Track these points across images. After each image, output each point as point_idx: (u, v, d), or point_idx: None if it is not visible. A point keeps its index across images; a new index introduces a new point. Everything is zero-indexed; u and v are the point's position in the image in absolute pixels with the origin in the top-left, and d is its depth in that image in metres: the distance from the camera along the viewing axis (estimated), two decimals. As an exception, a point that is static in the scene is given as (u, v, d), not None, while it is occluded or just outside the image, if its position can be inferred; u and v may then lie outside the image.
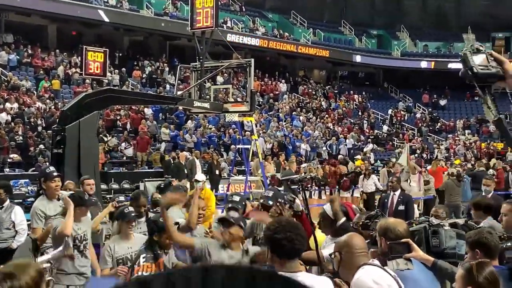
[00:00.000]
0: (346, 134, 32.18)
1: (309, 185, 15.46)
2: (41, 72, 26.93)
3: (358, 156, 26.87)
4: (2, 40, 28.17)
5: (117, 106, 23.81)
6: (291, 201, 6.37)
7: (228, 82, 29.41)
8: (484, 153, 31.38)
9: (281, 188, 10.03)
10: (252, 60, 13.23)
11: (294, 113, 33.30)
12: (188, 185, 19.58)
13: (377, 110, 39.27)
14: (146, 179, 20.70)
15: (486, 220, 6.13)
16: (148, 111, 26.30)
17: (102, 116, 21.60)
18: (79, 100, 11.27)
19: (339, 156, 26.82)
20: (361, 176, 16.45)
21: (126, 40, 34.63)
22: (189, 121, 26.90)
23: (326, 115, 34.66)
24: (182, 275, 0.83)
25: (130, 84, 28.30)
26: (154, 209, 7.42)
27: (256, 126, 23.85)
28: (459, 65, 2.52)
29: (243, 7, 38.67)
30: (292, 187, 7.62)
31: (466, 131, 36.88)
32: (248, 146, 16.39)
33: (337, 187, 18.28)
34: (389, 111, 38.87)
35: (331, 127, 33.08)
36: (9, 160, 19.68)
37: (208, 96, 14.35)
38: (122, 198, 7.72)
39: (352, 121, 35.71)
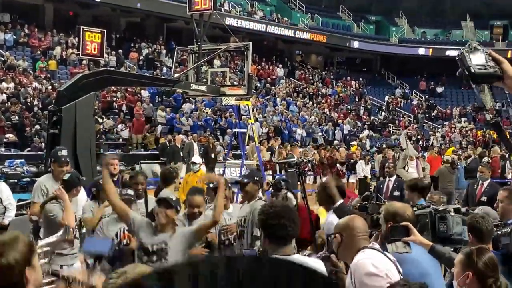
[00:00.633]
0: (342, 120, 32.18)
1: (306, 169, 15.48)
2: (38, 52, 26.78)
3: (354, 142, 26.90)
4: (-2, 20, 27.97)
5: (114, 87, 23.75)
6: (283, 198, 6.43)
7: (225, 65, 29.26)
8: (480, 141, 31.44)
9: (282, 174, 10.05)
10: (250, 43, 13.20)
11: (290, 98, 33.26)
12: (184, 168, 19.65)
13: (373, 96, 39.26)
14: (141, 161, 20.72)
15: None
16: (145, 93, 26.22)
17: (99, 97, 21.50)
18: (76, 81, 11.21)
19: (335, 142, 26.85)
20: (360, 161, 16.48)
21: (123, 21, 34.42)
22: (186, 104, 26.83)
23: (323, 101, 34.63)
24: (207, 266, 0.81)
25: (127, 66, 28.17)
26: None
27: (253, 110, 23.79)
28: (456, 52, 2.48)
29: (241, -10, 38.44)
30: (289, 170, 7.64)
31: (463, 119, 36.92)
32: (244, 130, 16.35)
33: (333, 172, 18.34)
34: (386, 98, 38.86)
35: (328, 112, 33.06)
36: (4, 140, 19.63)
37: (205, 79, 14.31)
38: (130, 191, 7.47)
39: (349, 107, 35.69)
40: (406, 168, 15.48)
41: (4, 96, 21.43)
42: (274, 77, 35.51)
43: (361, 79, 40.81)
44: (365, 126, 32.89)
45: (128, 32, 33.78)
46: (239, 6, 36.15)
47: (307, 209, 5.28)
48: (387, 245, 3.57)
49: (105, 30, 12.39)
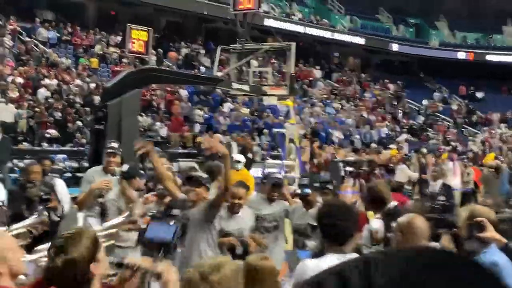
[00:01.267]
0: (380, 123, 31.95)
1: (363, 168, 15.37)
2: (80, 50, 27.24)
3: (392, 146, 26.64)
4: (42, 17, 28.51)
5: (153, 85, 24.00)
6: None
7: (262, 66, 29.33)
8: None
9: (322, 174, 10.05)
10: (294, 43, 13.21)
11: (327, 100, 33.15)
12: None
13: (412, 99, 38.84)
14: (179, 159, 20.88)
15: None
16: (183, 92, 26.44)
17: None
18: (122, 78, 11.38)
19: (372, 145, 26.67)
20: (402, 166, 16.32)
21: (163, 21, 34.75)
22: (225, 104, 26.98)
23: (360, 103, 34.43)
24: (354, 270, 0.82)
25: (166, 65, 28.44)
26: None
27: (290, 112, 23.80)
28: (497, 57, 2.43)
29: (280, -9, 38.47)
30: (347, 169, 7.67)
31: (503, 125, 36.28)
32: (284, 131, 16.36)
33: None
34: (424, 101, 38.42)
35: (365, 115, 32.84)
36: (47, 135, 19.99)
37: (246, 79, 14.36)
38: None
39: (386, 110, 35.41)
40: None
41: (48, 93, 21.81)
42: (311, 78, 35.43)
43: (399, 82, 40.41)
44: (403, 129, 32.56)
45: (167, 32, 34.10)
46: (278, 7, 36.18)
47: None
48: (465, 243, 3.55)
49: (151, 28, 12.55)
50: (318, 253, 4.15)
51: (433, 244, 3.52)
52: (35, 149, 18.46)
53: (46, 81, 22.62)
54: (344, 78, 38.03)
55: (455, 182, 15.16)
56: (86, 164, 16.16)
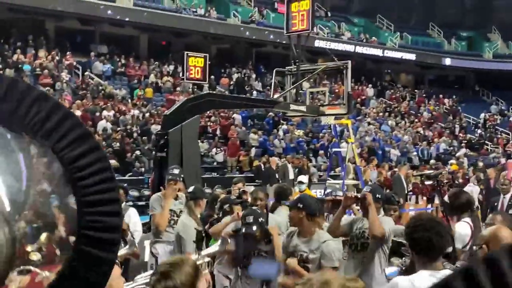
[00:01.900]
0: (437, 138, 31.35)
1: (445, 181, 15.03)
2: (135, 81, 27.77)
3: (453, 161, 26.05)
4: (97, 51, 29.25)
5: (208, 112, 24.21)
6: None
7: (314, 87, 29.27)
8: None
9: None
10: (349, 62, 13.12)
11: (382, 117, 32.76)
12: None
13: (468, 113, 38.01)
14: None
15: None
16: (237, 117, 26.58)
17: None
18: (181, 105, 11.48)
19: (431, 161, 26.16)
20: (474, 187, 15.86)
21: (214, 48, 35.18)
22: (282, 126, 27.02)
23: (416, 119, 33.89)
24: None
25: (218, 91, 28.68)
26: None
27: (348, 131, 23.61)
28: None
29: (328, 12, 38.38)
30: (426, 182, 7.49)
31: None
32: (342, 150, 16.19)
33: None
34: (482, 115, 37.53)
35: (421, 131, 32.29)
36: (107, 165, 20.30)
37: (302, 100, 14.31)
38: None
39: (443, 125, 34.74)
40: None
41: (108, 124, 22.23)
42: (364, 97, 35.14)
43: (454, 96, 39.66)
44: (462, 144, 31.84)
45: (218, 58, 34.47)
46: (327, 28, 36.17)
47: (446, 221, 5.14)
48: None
49: (207, 55, 12.68)
50: (408, 270, 4.00)
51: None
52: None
53: (104, 112, 23.09)
54: (397, 95, 37.56)
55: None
56: (147, 192, 16.36)
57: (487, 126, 36.43)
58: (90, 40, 30.47)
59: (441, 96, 39.08)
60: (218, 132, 25.32)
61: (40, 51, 26.20)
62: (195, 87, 14.20)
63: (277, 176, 20.40)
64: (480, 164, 24.71)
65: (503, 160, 27.30)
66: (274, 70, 13.64)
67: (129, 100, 25.65)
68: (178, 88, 27.23)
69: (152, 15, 29.64)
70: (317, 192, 17.38)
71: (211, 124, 25.70)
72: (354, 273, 5.31)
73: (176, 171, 7.82)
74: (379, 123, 31.50)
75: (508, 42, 42.21)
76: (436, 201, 16.16)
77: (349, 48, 35.54)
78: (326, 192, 7.52)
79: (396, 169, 20.41)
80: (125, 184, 19.06)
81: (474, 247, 3.75)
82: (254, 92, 30.06)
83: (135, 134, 22.41)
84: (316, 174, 23.34)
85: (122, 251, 5.12)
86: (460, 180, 19.45)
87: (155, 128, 20.44)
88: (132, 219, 7.94)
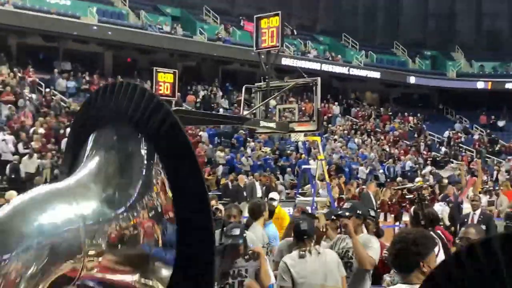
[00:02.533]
0: (403, 156, 31.58)
1: (426, 194, 14.97)
2: (99, 98, 27.33)
3: (418, 178, 26.18)
4: (60, 68, 28.75)
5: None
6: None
7: (282, 104, 29.27)
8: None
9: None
10: (319, 78, 13.03)
11: (348, 135, 32.90)
12: (245, 208, 19.45)
13: (433, 131, 38.48)
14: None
15: None
16: (204, 134, 26.34)
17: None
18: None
19: (398, 179, 26.25)
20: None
21: (180, 65, 34.93)
22: (250, 143, 26.88)
23: (382, 137, 34.12)
24: None
25: (185, 108, 28.40)
26: None
27: (314, 148, 23.58)
28: None
29: (294, 30, 38.62)
30: (407, 197, 7.37)
31: (527, 152, 35.72)
32: (312, 167, 16.08)
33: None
34: (446, 133, 38.02)
35: (387, 149, 32.50)
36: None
37: (271, 117, 14.14)
38: None
39: (408, 143, 35.05)
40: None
41: (70, 141, 21.75)
42: (330, 115, 35.26)
43: (419, 114, 40.12)
44: (427, 162, 32.13)
45: (184, 76, 34.22)
46: (293, 45, 36.30)
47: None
48: None
49: (176, 71, 12.46)
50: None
51: None
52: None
53: (68, 130, 22.57)
54: (363, 113, 37.82)
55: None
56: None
57: (451, 144, 36.89)
58: (53, 57, 29.95)
59: (406, 114, 39.50)
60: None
61: (3, 68, 25.61)
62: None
63: (245, 194, 20.19)
64: (445, 181, 24.89)
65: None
66: (244, 87, 13.48)
67: (94, 118, 25.17)
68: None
69: (117, 32, 29.32)
70: (286, 209, 17.23)
71: (178, 141, 25.37)
72: None
73: None
74: (345, 141, 31.61)
75: (471, 61, 42.99)
76: (404, 218, 16.20)
77: (316, 66, 35.69)
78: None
79: (364, 187, 20.44)
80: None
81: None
82: (221, 110, 29.87)
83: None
84: (284, 192, 23.20)
85: None
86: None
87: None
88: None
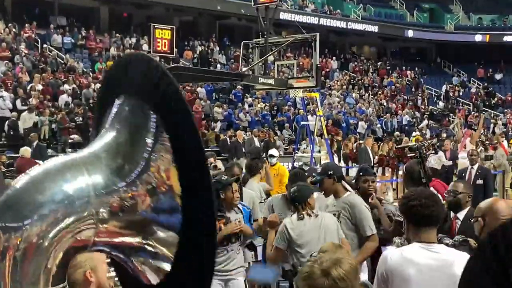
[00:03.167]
0: (400, 111, 31.63)
1: (428, 152, 15.04)
2: (96, 54, 27.16)
3: (415, 133, 26.34)
4: (56, 23, 28.46)
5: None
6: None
7: (278, 60, 29.13)
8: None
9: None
10: (318, 34, 12.99)
11: (346, 90, 32.84)
12: (243, 163, 19.57)
13: (430, 85, 38.42)
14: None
15: None
16: (202, 90, 26.28)
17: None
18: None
19: (395, 133, 26.36)
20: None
21: (176, 20, 34.59)
22: (247, 99, 26.84)
23: (379, 92, 34.08)
24: None
25: (182, 64, 28.25)
26: None
27: (313, 104, 23.59)
28: None
29: (292, -16, 38.15)
30: (409, 155, 7.42)
31: (524, 105, 35.79)
32: (310, 123, 16.13)
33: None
34: (444, 87, 37.97)
35: (385, 103, 32.51)
36: (70, 140, 19.90)
37: (270, 73, 14.16)
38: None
39: (406, 97, 35.04)
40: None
41: (69, 98, 21.71)
42: (328, 70, 35.12)
43: (416, 68, 39.99)
44: (425, 116, 32.19)
45: (181, 31, 33.91)
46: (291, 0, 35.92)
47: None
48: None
49: (174, 27, 12.38)
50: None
51: None
52: (59, 155, 18.32)
53: (65, 86, 22.54)
54: (361, 67, 37.67)
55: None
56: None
57: (449, 98, 36.89)
58: (49, 12, 29.61)
59: (403, 68, 39.36)
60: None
61: (-2, 24, 25.37)
62: (162, 60, 13.86)
63: (243, 150, 20.28)
64: (444, 135, 25.08)
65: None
66: (242, 43, 13.42)
67: (90, 74, 25.08)
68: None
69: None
70: (285, 165, 17.36)
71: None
72: None
73: None
74: (343, 96, 31.58)
75: (469, 14, 42.62)
76: (401, 172, 16.36)
77: (313, 20, 35.35)
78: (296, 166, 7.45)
79: (361, 142, 20.53)
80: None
81: (471, 220, 3.71)
82: (218, 65, 29.75)
83: (97, 109, 21.92)
84: (282, 148, 23.28)
85: None
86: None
87: (118, 102, 20.02)
88: None
